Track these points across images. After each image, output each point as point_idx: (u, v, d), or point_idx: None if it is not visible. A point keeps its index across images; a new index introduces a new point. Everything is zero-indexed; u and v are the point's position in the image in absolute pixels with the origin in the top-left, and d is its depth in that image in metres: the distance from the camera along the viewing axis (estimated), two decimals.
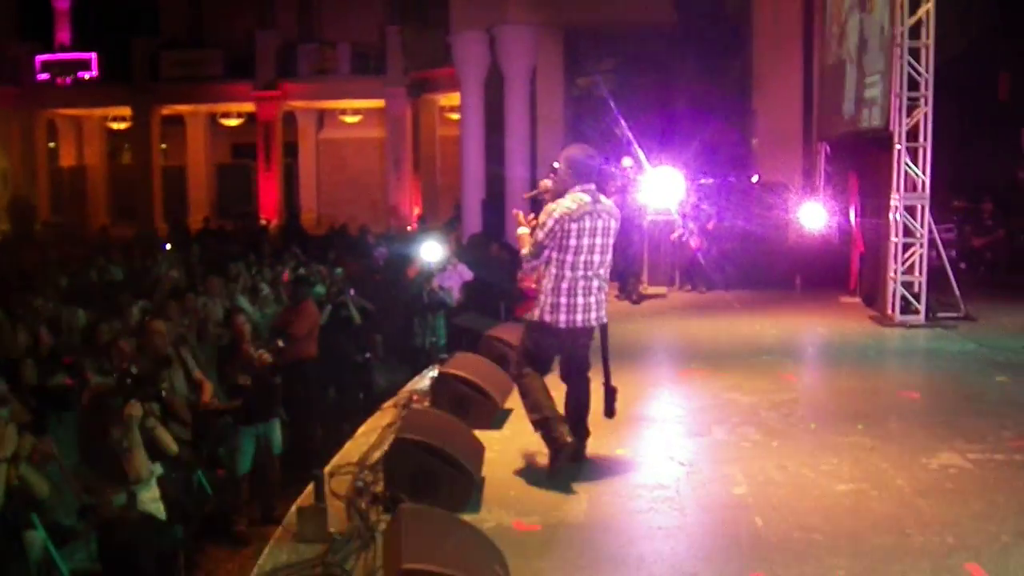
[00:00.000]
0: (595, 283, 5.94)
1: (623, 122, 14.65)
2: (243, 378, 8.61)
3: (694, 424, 7.26)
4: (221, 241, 20.37)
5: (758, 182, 16.82)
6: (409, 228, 25.68)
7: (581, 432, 6.15)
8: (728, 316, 12.38)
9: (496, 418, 7.08)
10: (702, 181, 14.15)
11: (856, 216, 13.40)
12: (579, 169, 5.86)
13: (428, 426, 5.62)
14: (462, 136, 20.78)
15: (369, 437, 6.80)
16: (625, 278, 13.28)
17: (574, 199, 5.79)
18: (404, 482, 5.27)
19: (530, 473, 6.08)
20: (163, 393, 7.63)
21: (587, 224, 5.80)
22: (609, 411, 6.23)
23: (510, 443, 6.67)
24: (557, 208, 5.79)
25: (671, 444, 6.71)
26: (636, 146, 13.44)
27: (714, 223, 14.41)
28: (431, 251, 12.42)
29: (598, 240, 5.86)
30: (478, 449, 5.78)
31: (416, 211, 28.19)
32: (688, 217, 14.07)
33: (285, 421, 9.34)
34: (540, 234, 5.82)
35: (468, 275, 13.08)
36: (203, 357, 9.32)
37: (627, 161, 13.14)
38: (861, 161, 13.37)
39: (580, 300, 5.90)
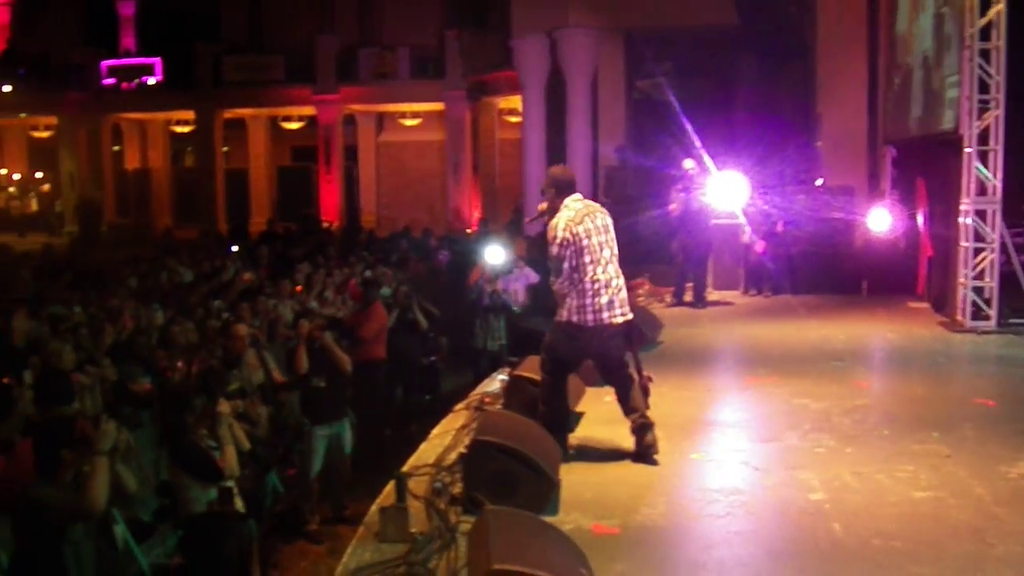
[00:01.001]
0: (614, 280, 6.21)
1: (685, 125, 14.56)
2: (316, 380, 8.71)
3: (766, 429, 7.23)
4: (285, 243, 20.57)
5: (823, 185, 16.66)
6: (469, 231, 25.74)
7: (643, 422, 6.30)
8: (795, 321, 12.28)
9: (571, 421, 7.06)
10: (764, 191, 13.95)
11: (924, 220, 13.24)
12: (561, 184, 6.29)
13: (505, 428, 5.67)
14: (523, 139, 20.90)
15: (443, 439, 6.87)
16: (681, 283, 13.21)
17: (569, 207, 6.17)
18: (483, 484, 5.32)
19: (606, 475, 6.11)
20: (234, 392, 7.77)
21: (590, 224, 6.14)
22: (645, 400, 6.45)
23: (584, 445, 6.70)
24: (559, 220, 6.14)
25: (744, 449, 6.70)
26: (699, 149, 13.38)
27: (780, 227, 14.27)
28: (494, 254, 12.42)
29: (604, 237, 6.20)
30: (555, 452, 5.81)
31: (476, 214, 28.33)
32: (753, 221, 13.96)
33: (354, 422, 9.44)
34: (554, 249, 6.14)
35: (534, 277, 13.07)
36: (273, 358, 9.36)
37: (689, 163, 13.03)
38: (929, 164, 13.20)
39: (604, 299, 6.13)
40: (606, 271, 6.19)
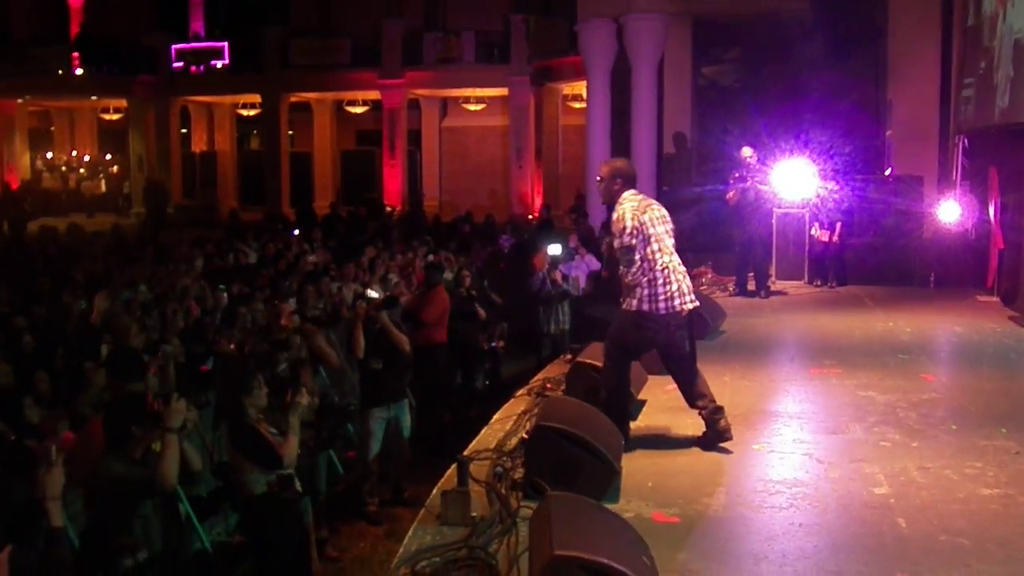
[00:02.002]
0: (680, 268, 6.31)
1: (751, 111, 14.34)
2: (375, 362, 8.77)
3: (830, 421, 7.15)
4: (349, 227, 20.68)
5: (892, 175, 16.39)
6: (531, 217, 25.76)
7: (711, 409, 6.37)
8: (861, 313, 12.12)
9: (632, 409, 7.06)
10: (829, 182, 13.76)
11: (995, 212, 12.97)
12: (628, 177, 6.36)
13: (568, 414, 5.65)
14: (588, 124, 20.68)
15: (505, 424, 6.90)
16: (743, 272, 13.10)
17: (631, 198, 6.25)
18: (544, 469, 5.33)
19: (667, 464, 6.10)
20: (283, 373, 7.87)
21: (653, 214, 6.24)
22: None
23: (645, 433, 6.70)
24: (624, 211, 6.20)
25: (808, 441, 6.64)
26: (765, 136, 13.32)
27: (846, 217, 14.11)
28: (555, 245, 12.50)
29: (667, 227, 6.29)
30: (617, 438, 5.80)
31: (538, 200, 28.31)
32: (820, 210, 13.80)
33: (413, 405, 9.44)
34: (625, 239, 6.17)
35: (596, 264, 12.98)
36: (336, 340, 9.53)
37: (747, 151, 12.84)
38: (1004, 154, 12.92)
39: (674, 287, 6.20)
40: (672, 258, 6.26)
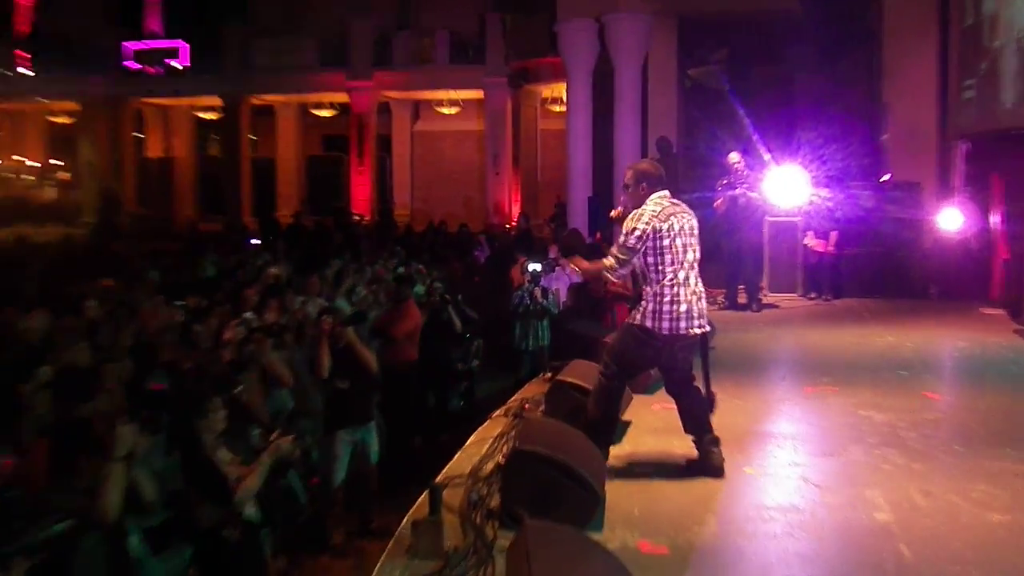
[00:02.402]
0: (695, 288, 6.12)
1: (740, 115, 14.48)
2: (341, 381, 8.64)
3: (827, 443, 7.10)
4: (315, 238, 20.51)
5: (889, 181, 16.42)
6: (508, 226, 25.65)
7: (708, 440, 6.26)
8: (859, 327, 12.08)
9: (616, 430, 6.94)
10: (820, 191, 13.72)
11: (1000, 220, 12.98)
12: (652, 179, 6.20)
13: (548, 437, 5.55)
14: (569, 128, 20.59)
15: (480, 448, 6.81)
16: (733, 284, 13.02)
17: (656, 203, 6.08)
18: (523, 496, 5.23)
19: (654, 490, 6.02)
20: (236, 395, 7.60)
21: (675, 224, 6.04)
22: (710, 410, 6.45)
23: (631, 457, 6.62)
24: (644, 212, 6.05)
25: (803, 464, 6.57)
26: (755, 141, 13.27)
27: (841, 226, 14.07)
28: (537, 263, 12.29)
29: (689, 240, 6.10)
30: (601, 463, 5.71)
31: (516, 208, 28.22)
32: (814, 218, 13.75)
33: (381, 428, 9.34)
34: (631, 239, 6.03)
35: (576, 277, 12.37)
36: (300, 359, 9.33)
37: (734, 157, 12.79)
38: (1007, 160, 12.93)
39: (683, 307, 6.03)
40: (688, 277, 6.11)
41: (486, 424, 7.53)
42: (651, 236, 5.99)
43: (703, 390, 6.44)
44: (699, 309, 6.13)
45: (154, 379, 8.46)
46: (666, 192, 6.20)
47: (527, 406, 7.80)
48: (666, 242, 6.01)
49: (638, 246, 6.01)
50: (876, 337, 11.31)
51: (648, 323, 6.05)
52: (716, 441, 6.27)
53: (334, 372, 8.64)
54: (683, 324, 6.04)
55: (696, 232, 6.21)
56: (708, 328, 6.25)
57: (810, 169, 13.34)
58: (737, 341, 10.90)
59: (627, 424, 7.25)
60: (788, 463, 6.58)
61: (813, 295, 14.08)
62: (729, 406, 7.82)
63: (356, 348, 8.70)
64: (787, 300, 13.86)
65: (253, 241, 18.93)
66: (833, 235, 14.00)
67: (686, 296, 6.05)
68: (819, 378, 9.18)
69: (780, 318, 12.75)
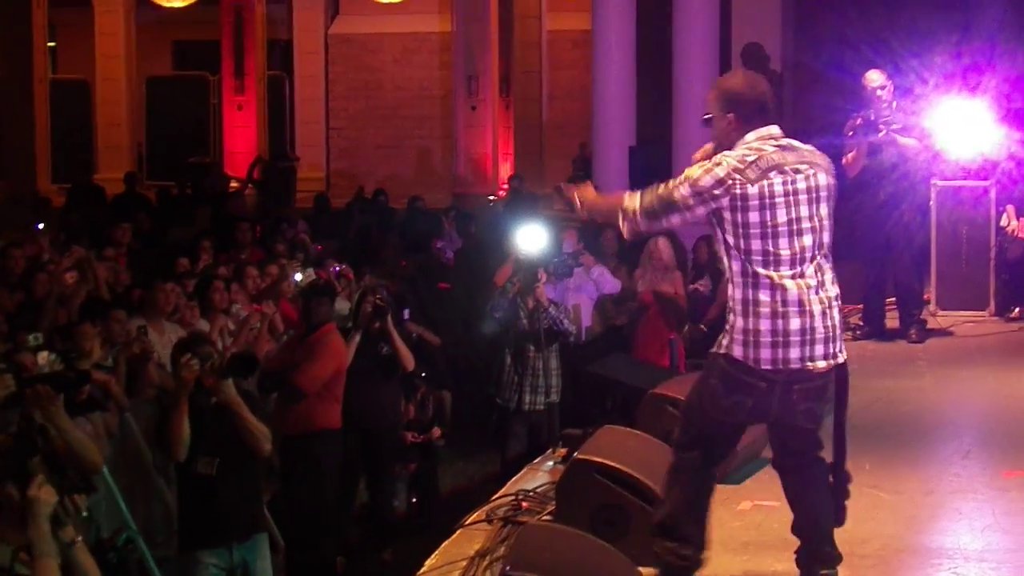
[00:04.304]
0: (820, 289, 4.79)
1: (886, 13, 12.62)
2: (206, 464, 6.72)
3: None
4: (161, 218, 16.69)
5: None
6: (493, 198, 20.71)
7: (822, 558, 4.95)
8: None
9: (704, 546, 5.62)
10: None
11: None
12: (748, 106, 4.89)
13: (559, 560, 4.86)
14: (595, 29, 16.30)
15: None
16: (876, 298, 10.61)
17: (751, 147, 4.78)
18: None
19: None
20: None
21: (779, 185, 4.72)
22: (837, 514, 5.06)
23: None
24: (724, 157, 4.78)
25: None
26: (908, 57, 11.03)
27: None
28: (532, 240, 9.88)
29: (804, 211, 4.78)
30: None
31: (506, 168, 23.19)
32: (1015, 184, 11.16)
33: (278, 543, 7.70)
34: (685, 187, 4.71)
35: (610, 284, 10.73)
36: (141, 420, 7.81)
37: (875, 77, 10.18)
38: None
39: (796, 322, 4.67)
40: (803, 271, 4.71)
41: (456, 535, 6.23)
42: (729, 197, 4.65)
43: (833, 463, 5.01)
44: (826, 326, 4.73)
45: None
46: (774, 129, 4.79)
47: (524, 503, 6.52)
48: (761, 215, 4.69)
49: (692, 202, 4.68)
50: None
51: (737, 351, 4.70)
52: (834, 560, 4.94)
53: (198, 450, 6.75)
54: (794, 352, 4.68)
55: (826, 197, 4.84)
56: (843, 359, 4.81)
57: (1008, 100, 11.16)
58: (886, 393, 8.97)
59: None
60: None
61: (1016, 312, 11.49)
62: (870, 502, 6.21)
63: (239, 412, 6.76)
64: (970, 322, 11.26)
65: (40, 226, 13.79)
66: None
67: (798, 305, 4.70)
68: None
69: (958, 354, 10.41)
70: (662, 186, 4.84)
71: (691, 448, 4.89)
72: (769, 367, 4.69)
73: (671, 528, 4.86)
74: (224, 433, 6.70)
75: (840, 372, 4.86)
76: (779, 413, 4.86)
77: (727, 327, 4.85)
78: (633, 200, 4.86)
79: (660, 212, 4.83)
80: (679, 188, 4.79)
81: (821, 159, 4.86)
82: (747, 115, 4.83)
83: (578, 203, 5.16)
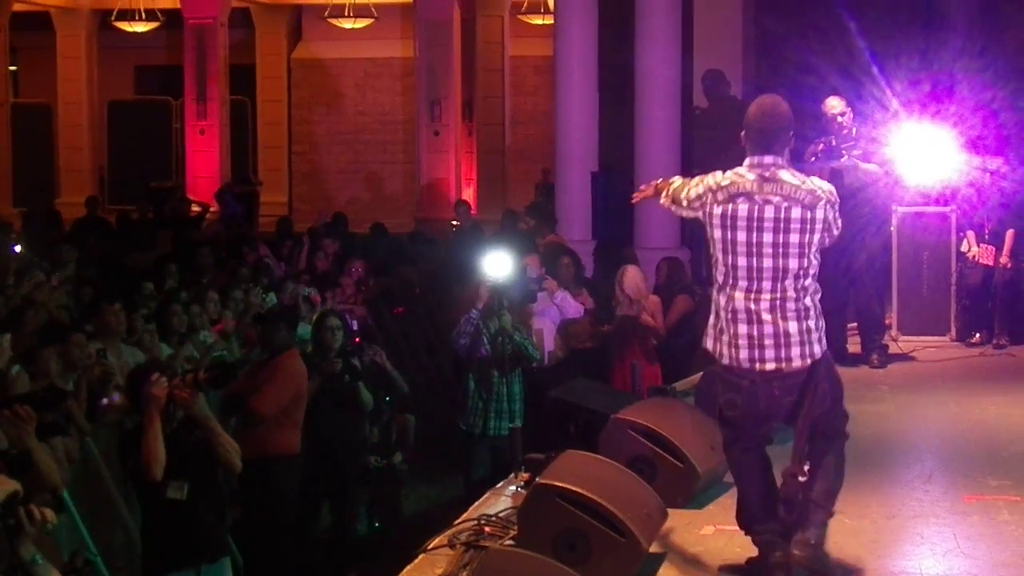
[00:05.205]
0: (763, 302, 5.24)
1: (849, 37, 12.46)
2: (176, 488, 6.62)
3: None
4: (123, 242, 16.46)
5: None
6: (456, 223, 19.71)
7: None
8: None
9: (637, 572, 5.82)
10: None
11: None
12: (751, 131, 5.35)
13: None
14: (558, 54, 16.08)
15: None
16: (839, 321, 10.38)
17: (735, 173, 5.31)
18: None
19: None
20: None
21: (742, 210, 5.21)
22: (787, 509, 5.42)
23: None
24: (706, 180, 5.33)
25: None
26: (871, 80, 11.11)
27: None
28: (499, 266, 9.77)
29: (768, 237, 5.21)
30: None
31: (468, 192, 23.09)
32: (976, 209, 11.21)
33: (241, 567, 7.68)
34: (685, 193, 5.38)
35: (573, 309, 10.58)
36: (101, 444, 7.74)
37: (835, 104, 10.24)
38: None
39: (743, 329, 5.23)
40: (750, 288, 5.23)
41: (418, 560, 6.28)
42: (702, 212, 5.30)
43: (796, 463, 5.33)
44: (772, 332, 5.18)
45: None
46: (767, 159, 5.23)
47: (487, 529, 6.58)
48: (723, 233, 5.27)
49: (684, 205, 5.38)
50: None
51: (711, 346, 5.40)
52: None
53: (169, 472, 6.62)
54: (744, 353, 5.21)
55: (798, 229, 5.17)
56: (806, 361, 5.19)
57: (964, 130, 10.99)
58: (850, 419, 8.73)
59: (660, 557, 6.01)
60: None
61: (976, 337, 11.39)
62: (837, 526, 6.20)
63: (211, 426, 6.74)
64: (931, 346, 11.20)
65: (16, 248, 14.23)
66: (1009, 236, 11.29)
67: (746, 316, 5.22)
68: (985, 480, 7.37)
69: (919, 378, 10.36)
70: (683, 182, 5.46)
71: (731, 439, 5.40)
72: (747, 367, 5.19)
73: (747, 520, 5.34)
74: (191, 454, 6.61)
75: (815, 368, 5.21)
76: (767, 408, 5.28)
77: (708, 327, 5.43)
78: (672, 183, 5.53)
79: (673, 203, 5.48)
80: (685, 189, 5.41)
81: (807, 195, 5.14)
82: (750, 140, 5.29)
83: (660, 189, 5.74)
